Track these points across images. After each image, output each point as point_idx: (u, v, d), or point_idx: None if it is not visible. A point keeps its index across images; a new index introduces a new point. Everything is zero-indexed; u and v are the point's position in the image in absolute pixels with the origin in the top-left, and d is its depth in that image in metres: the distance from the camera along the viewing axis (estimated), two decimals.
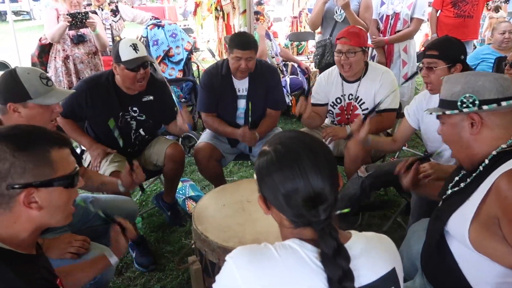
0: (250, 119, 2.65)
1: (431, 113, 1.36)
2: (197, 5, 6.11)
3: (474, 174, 1.29)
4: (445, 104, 1.32)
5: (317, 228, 0.88)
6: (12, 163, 0.93)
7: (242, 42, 2.46)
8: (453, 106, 1.28)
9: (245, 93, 2.63)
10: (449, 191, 1.37)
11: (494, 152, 1.23)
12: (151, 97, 2.42)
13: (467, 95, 1.25)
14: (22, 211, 0.96)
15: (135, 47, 2.20)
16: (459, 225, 1.26)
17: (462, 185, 1.32)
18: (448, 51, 1.97)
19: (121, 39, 2.34)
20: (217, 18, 5.54)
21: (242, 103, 2.65)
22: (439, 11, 4.21)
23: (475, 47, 5.10)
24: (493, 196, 1.16)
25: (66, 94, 1.79)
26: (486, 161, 1.24)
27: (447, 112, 1.29)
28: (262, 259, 0.87)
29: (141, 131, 2.46)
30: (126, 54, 2.19)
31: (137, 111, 2.40)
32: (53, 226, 1.05)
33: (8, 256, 0.95)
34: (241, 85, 2.62)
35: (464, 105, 1.25)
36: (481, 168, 1.26)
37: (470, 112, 1.25)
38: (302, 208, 0.88)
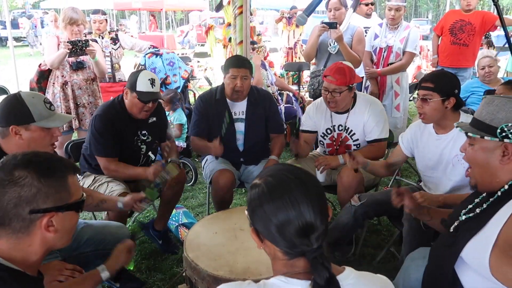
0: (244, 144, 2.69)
1: (466, 133, 1.32)
2: (209, 28, 6.20)
3: (491, 199, 1.28)
4: (482, 126, 1.30)
5: (309, 257, 0.89)
6: (39, 189, 0.99)
7: (237, 61, 2.60)
8: (491, 131, 1.26)
9: (242, 116, 2.68)
10: (463, 217, 1.36)
11: None
12: (154, 118, 2.51)
13: (510, 124, 1.23)
14: (38, 235, 1.01)
15: (152, 82, 2.31)
16: (477, 251, 1.24)
17: (477, 210, 1.31)
18: (443, 84, 2.00)
19: (142, 69, 2.45)
20: (225, 46, 5.64)
21: (240, 126, 2.69)
22: (440, 37, 4.42)
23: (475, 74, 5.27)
24: None
25: (68, 119, 1.95)
26: (506, 187, 1.24)
27: (486, 137, 1.26)
28: None
29: (150, 153, 2.53)
30: (143, 86, 2.29)
31: (146, 133, 2.48)
32: (58, 248, 1.10)
33: (20, 277, 0.98)
34: (238, 108, 2.67)
35: (504, 134, 1.23)
36: (499, 193, 1.25)
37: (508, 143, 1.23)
38: (294, 238, 0.89)
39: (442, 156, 2.10)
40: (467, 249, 1.28)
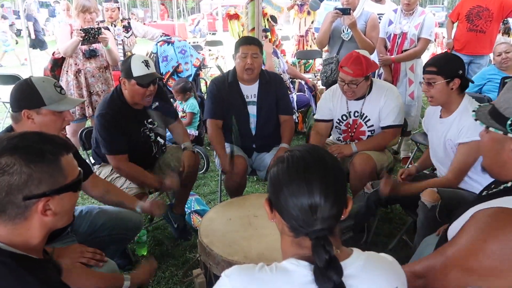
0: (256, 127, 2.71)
1: (476, 119, 1.23)
2: (233, 17, 6.04)
3: (494, 190, 1.23)
4: (495, 114, 1.19)
5: (311, 237, 0.89)
6: (30, 175, 0.94)
7: (247, 39, 2.64)
8: (502, 121, 1.15)
9: (254, 99, 2.69)
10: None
11: None
12: (157, 103, 2.49)
13: None
14: (36, 219, 0.98)
15: (146, 63, 2.25)
16: (453, 230, 1.26)
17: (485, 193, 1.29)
18: (445, 67, 2.04)
19: (132, 54, 2.39)
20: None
21: (252, 110, 2.70)
22: (456, 23, 4.41)
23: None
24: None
25: (78, 102, 1.94)
26: (509, 184, 1.16)
27: (491, 129, 1.16)
28: (255, 282, 0.90)
29: (159, 139, 2.52)
30: (138, 70, 2.23)
31: (152, 121, 2.46)
32: (59, 228, 1.07)
33: (24, 261, 0.96)
34: (250, 92, 2.68)
35: None
36: (502, 187, 1.19)
37: None
38: (300, 213, 0.89)
39: (443, 141, 2.12)
40: (451, 227, 1.28)
